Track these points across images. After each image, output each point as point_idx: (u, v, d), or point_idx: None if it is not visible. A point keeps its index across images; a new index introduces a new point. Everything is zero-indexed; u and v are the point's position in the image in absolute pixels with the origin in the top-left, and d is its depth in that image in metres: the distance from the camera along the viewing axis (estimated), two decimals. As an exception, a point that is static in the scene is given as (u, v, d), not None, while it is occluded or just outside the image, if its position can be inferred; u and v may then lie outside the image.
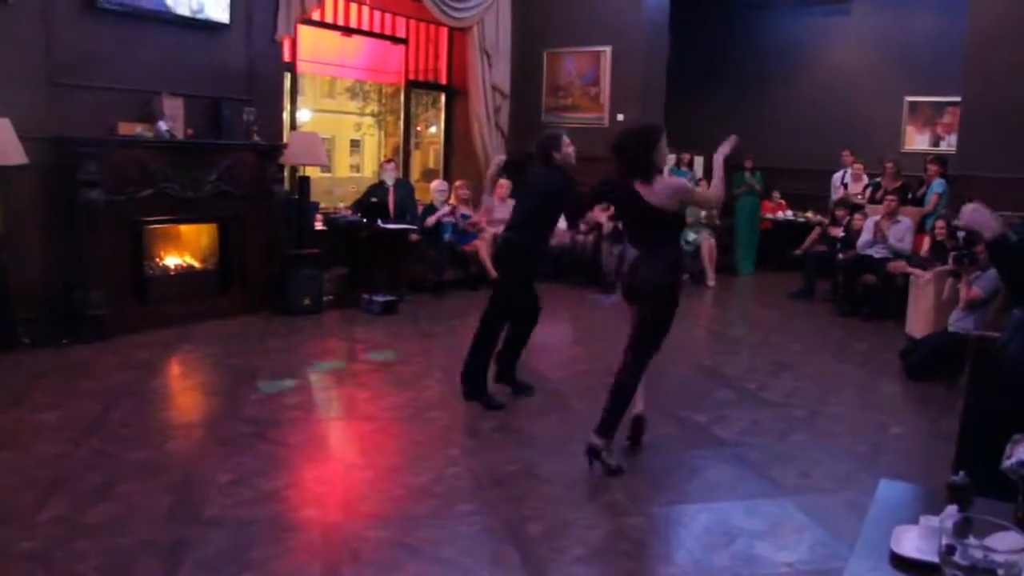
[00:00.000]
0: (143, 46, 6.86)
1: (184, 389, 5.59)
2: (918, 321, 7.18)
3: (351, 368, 6.04)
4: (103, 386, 5.27)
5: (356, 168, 25.70)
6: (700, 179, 11.16)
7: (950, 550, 1.55)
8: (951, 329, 6.43)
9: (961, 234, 7.47)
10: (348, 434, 4.74)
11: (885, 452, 4.71)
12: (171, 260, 7.31)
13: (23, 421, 4.59)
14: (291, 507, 3.70)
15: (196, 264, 7.48)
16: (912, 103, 12.35)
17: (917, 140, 12.40)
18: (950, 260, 6.69)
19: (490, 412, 5.04)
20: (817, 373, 6.37)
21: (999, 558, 1.52)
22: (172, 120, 6.93)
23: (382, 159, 10.21)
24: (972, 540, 1.66)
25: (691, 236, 10.46)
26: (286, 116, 8.67)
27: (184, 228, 7.38)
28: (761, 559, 3.42)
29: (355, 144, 24.90)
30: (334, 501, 3.84)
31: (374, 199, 8.70)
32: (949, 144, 11.99)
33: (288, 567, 3.19)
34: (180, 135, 6.99)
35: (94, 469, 3.97)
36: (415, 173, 11.29)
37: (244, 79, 7.66)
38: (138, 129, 6.73)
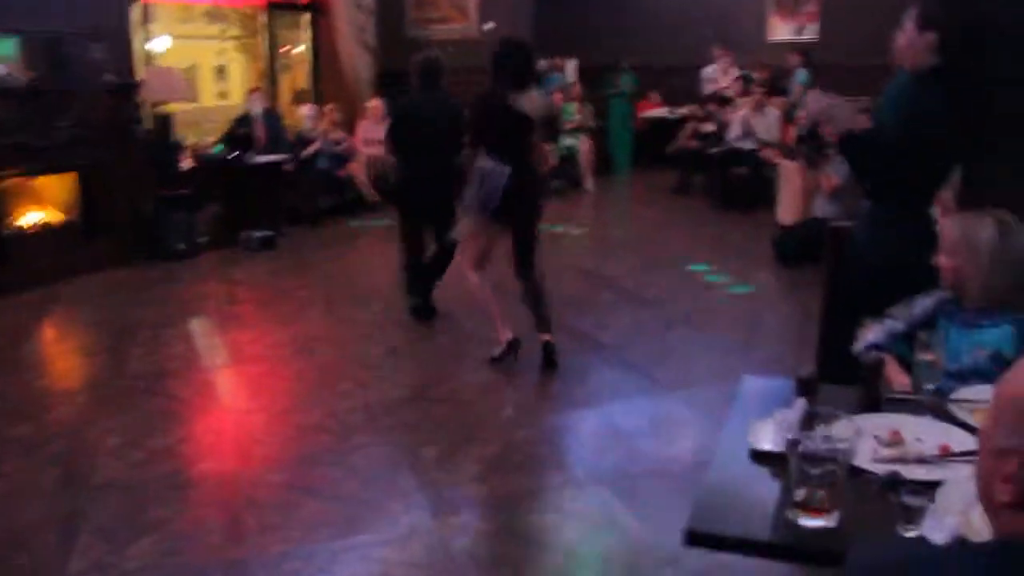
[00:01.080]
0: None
1: (60, 353, 5.39)
2: (787, 209, 7.47)
3: (232, 310, 5.94)
4: (-30, 358, 5.05)
5: (224, 95, 24.61)
6: (573, 82, 11.20)
7: (794, 443, 1.68)
8: (818, 215, 6.73)
9: (804, 129, 7.78)
10: (235, 379, 4.70)
11: (760, 341, 4.97)
12: (29, 216, 6.92)
13: None
14: (184, 462, 3.67)
15: (57, 217, 7.11)
16: (776, -7, 12.54)
17: (781, 30, 12.63)
18: (803, 154, 6.98)
19: (379, 339, 5.07)
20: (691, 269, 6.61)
21: (836, 445, 1.66)
22: (9, 61, 6.47)
23: (250, 85, 9.78)
24: (819, 430, 1.80)
25: (568, 140, 10.52)
26: (140, 47, 8.20)
27: (39, 181, 6.98)
28: (648, 456, 3.61)
29: (221, 71, 23.80)
30: (227, 450, 3.83)
31: (243, 130, 8.42)
32: (813, 33, 12.27)
33: (188, 524, 3.19)
34: (21, 79, 6.55)
35: (-29, 448, 3.84)
36: (285, 95, 10.94)
37: (87, 12, 7.14)
38: (-30, 75, 6.28)
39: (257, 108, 8.68)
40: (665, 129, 12.23)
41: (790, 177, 7.48)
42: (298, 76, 12.86)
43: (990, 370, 2.16)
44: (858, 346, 2.56)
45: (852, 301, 3.15)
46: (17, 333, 5.50)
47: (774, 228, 7.56)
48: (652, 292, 5.95)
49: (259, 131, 8.52)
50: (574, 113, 10.69)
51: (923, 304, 2.40)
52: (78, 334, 5.72)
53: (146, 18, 8.38)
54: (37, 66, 6.68)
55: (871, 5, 8.78)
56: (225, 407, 4.32)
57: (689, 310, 5.55)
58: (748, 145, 8.96)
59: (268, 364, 4.81)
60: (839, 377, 2.47)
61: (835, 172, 6.57)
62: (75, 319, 5.93)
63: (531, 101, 4.42)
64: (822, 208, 6.71)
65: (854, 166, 3.16)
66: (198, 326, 5.64)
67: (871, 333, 2.55)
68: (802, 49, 9.97)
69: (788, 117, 9.50)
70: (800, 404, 1.95)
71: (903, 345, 2.40)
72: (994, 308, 2.25)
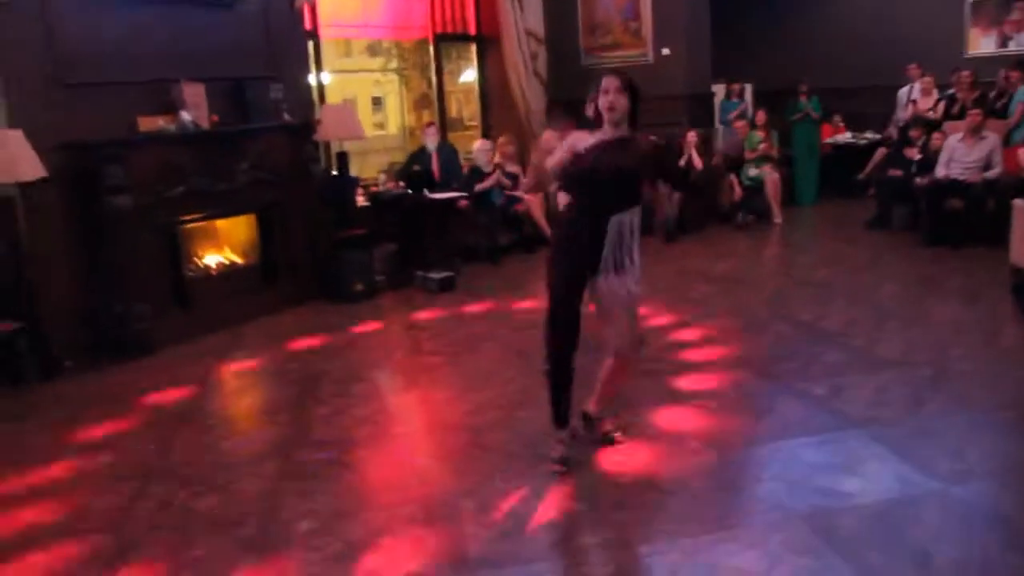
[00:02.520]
0: (153, 31, 6.31)
1: (243, 409, 5.10)
2: (1028, 250, 6.49)
3: (419, 362, 5.55)
4: (157, 415, 4.84)
5: (380, 126, 25.05)
6: (757, 112, 10.45)
7: None
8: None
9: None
10: (434, 450, 4.23)
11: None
12: (211, 259, 6.85)
13: (72, 468, 4.16)
14: (386, 561, 3.20)
15: (238, 260, 7.01)
16: (974, 2, 11.42)
17: (983, 43, 11.49)
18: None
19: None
20: (925, 320, 5.78)
21: None
22: (195, 108, 6.42)
23: (423, 123, 9.54)
24: None
25: (752, 172, 9.79)
26: (313, 82, 8.11)
27: (221, 223, 6.91)
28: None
29: (376, 101, 24.23)
30: (433, 549, 3.29)
31: (417, 167, 8.17)
32: (1019, 44, 11.11)
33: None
34: (205, 124, 6.48)
35: (161, 526, 3.53)
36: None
37: (265, 54, 7.10)
38: (160, 123, 6.24)
39: (432, 142, 8.44)
40: (851, 156, 11.32)
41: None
42: (451, 105, 12.68)
43: None
44: None
45: None
46: (202, 384, 5.32)
47: (1009, 273, 6.63)
48: (886, 351, 5.17)
49: (435, 166, 8.25)
50: (759, 142, 9.92)
51: None
52: (260, 387, 5.47)
53: (318, 57, 8.27)
54: (219, 110, 6.61)
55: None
56: (423, 486, 3.78)
57: (937, 375, 4.72)
58: (964, 175, 7.98)
59: (470, 434, 4.32)
60: None
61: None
62: (258, 368, 5.69)
63: None
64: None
65: None
66: (385, 381, 5.27)
67: None
68: (1023, 63, 8.85)
69: (1007, 141, 8.47)
70: None
71: None
72: None
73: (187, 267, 6.60)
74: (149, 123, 6.19)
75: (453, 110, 13.27)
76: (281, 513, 3.57)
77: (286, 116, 7.03)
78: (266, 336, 6.31)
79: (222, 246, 6.96)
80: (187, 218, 6.46)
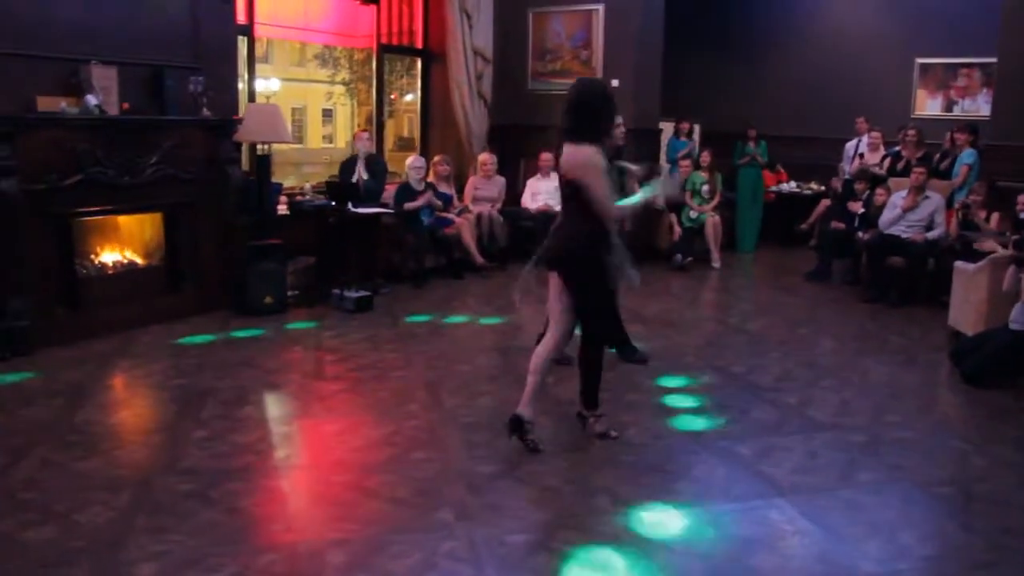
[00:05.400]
0: (66, 4, 5.79)
1: (116, 425, 4.51)
2: (967, 314, 6.30)
3: (319, 388, 5.08)
4: (16, 423, 4.31)
5: (328, 139, 24.50)
6: (702, 153, 10.24)
7: None
8: (1013, 327, 5.59)
9: (1024, 216, 6.67)
10: (311, 490, 3.77)
11: (977, 498, 3.83)
12: (108, 257, 6.31)
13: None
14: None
15: (139, 260, 6.48)
16: (923, 65, 11.46)
17: (929, 105, 11.54)
18: (1010, 246, 5.85)
19: (488, 449, 4.11)
20: (861, 380, 5.50)
21: None
22: (103, 93, 5.91)
23: (356, 129, 9.12)
24: None
25: (693, 214, 9.56)
26: (243, 86, 7.64)
27: (123, 220, 6.37)
28: None
29: (327, 113, 23.68)
30: None
31: (344, 178, 7.74)
32: (963, 109, 11.22)
33: None
34: (114, 110, 5.97)
35: (-24, 560, 3.02)
36: (389, 142, 10.30)
37: (190, 43, 6.61)
38: (62, 104, 5.70)
39: (364, 149, 8.03)
40: (794, 205, 11.21)
41: (973, 277, 6.32)
42: (403, 124, 12.32)
43: None
44: None
45: None
46: (77, 394, 4.78)
47: (941, 331, 6.47)
48: (820, 411, 4.85)
49: (361, 174, 7.84)
50: (703, 183, 9.70)
51: None
52: (141, 401, 4.95)
53: (252, 55, 7.82)
54: (132, 98, 6.11)
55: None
56: (291, 536, 3.29)
57: (871, 441, 4.41)
58: (905, 232, 7.83)
59: (355, 473, 3.86)
60: None
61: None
62: (142, 380, 5.17)
63: None
64: (1020, 317, 5.57)
65: None
66: (276, 407, 4.78)
67: None
68: (971, 127, 8.79)
69: (950, 202, 8.36)
70: None
71: None
72: None
73: (80, 263, 6.05)
74: (49, 103, 5.66)
75: (405, 130, 12.85)
76: (122, 553, 3.08)
77: (206, 111, 6.54)
78: (159, 345, 5.79)
79: (122, 244, 6.41)
80: (83, 210, 5.92)
